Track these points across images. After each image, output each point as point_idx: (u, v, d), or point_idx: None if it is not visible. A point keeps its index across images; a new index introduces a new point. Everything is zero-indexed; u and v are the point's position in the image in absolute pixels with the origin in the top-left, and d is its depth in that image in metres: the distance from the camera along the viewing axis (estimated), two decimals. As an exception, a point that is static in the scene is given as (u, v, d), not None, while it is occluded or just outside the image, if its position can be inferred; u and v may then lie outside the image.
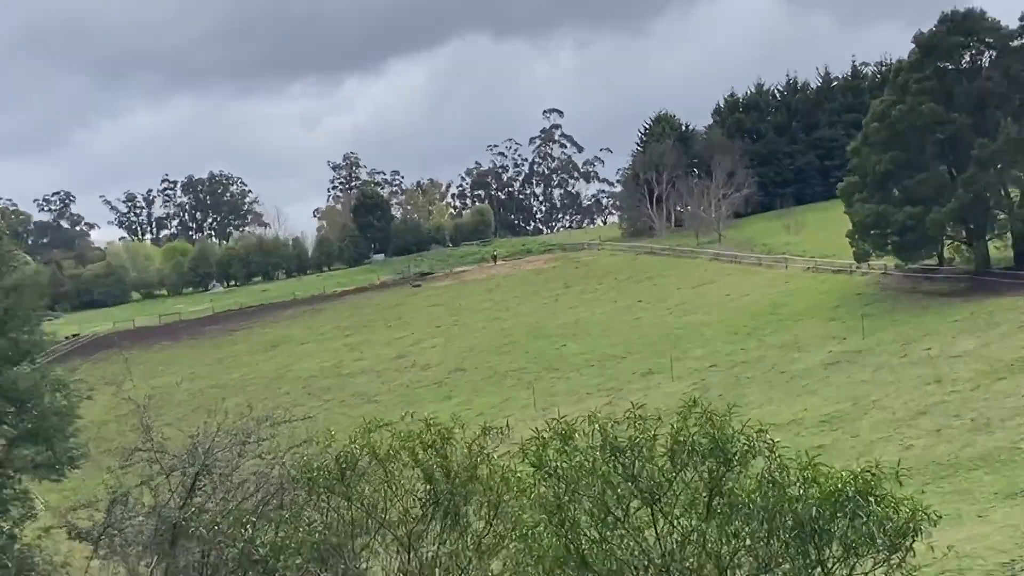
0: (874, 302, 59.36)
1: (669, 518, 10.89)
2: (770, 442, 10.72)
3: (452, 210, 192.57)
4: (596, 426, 11.48)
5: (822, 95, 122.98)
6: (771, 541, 10.45)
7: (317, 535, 12.80)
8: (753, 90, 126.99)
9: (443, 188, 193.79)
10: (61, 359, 64.50)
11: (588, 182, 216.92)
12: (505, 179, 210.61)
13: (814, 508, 10.19)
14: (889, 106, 63.92)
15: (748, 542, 10.62)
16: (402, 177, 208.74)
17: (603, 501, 10.96)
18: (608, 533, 10.94)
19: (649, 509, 11.00)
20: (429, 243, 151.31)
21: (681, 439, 11.24)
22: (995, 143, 55.96)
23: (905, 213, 60.78)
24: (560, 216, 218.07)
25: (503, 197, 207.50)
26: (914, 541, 9.58)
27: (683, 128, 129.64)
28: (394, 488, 12.63)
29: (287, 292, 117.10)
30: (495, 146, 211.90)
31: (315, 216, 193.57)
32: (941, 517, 9.73)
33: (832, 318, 57.98)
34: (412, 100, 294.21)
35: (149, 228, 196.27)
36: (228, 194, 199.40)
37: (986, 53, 60.77)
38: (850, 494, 9.63)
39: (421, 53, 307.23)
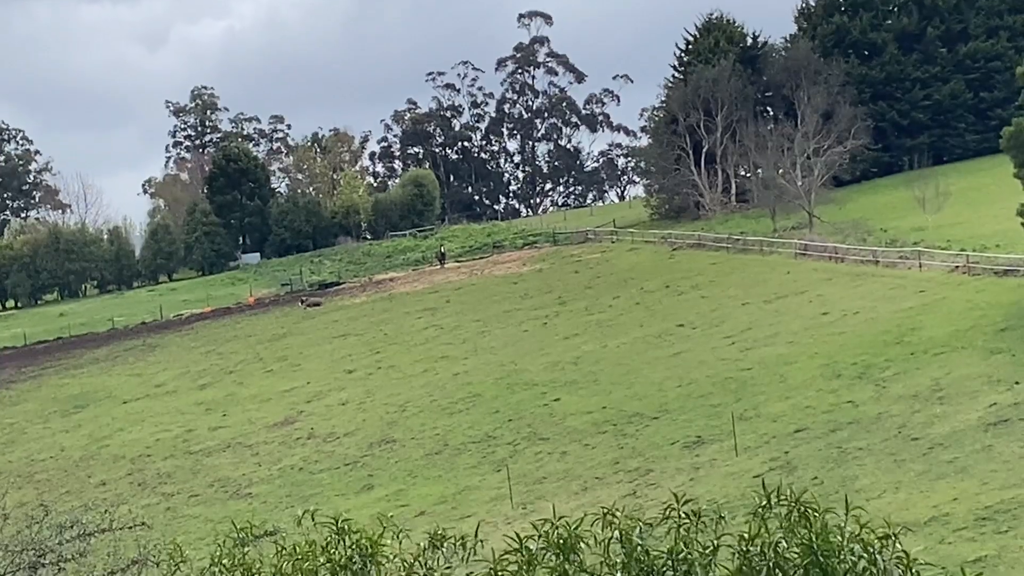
0: (1063, 322, 48.83)
1: None
2: (901, 554, 7.75)
3: (371, 179, 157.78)
4: (615, 532, 8.13)
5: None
6: None
7: None
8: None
9: (356, 143, 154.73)
10: None
11: (594, 131, 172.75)
12: (458, 127, 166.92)
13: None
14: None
15: None
16: (288, 126, 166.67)
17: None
18: None
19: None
20: (334, 234, 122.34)
21: (756, 551, 7.80)
22: None
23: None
24: (549, 188, 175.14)
25: (455, 157, 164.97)
26: None
27: (749, 41, 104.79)
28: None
29: (100, 317, 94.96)
30: (440, 74, 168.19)
31: (145, 192, 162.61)
32: None
33: (995, 350, 42.00)
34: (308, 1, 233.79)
35: None
36: (1, 156, 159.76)
37: None
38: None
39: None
